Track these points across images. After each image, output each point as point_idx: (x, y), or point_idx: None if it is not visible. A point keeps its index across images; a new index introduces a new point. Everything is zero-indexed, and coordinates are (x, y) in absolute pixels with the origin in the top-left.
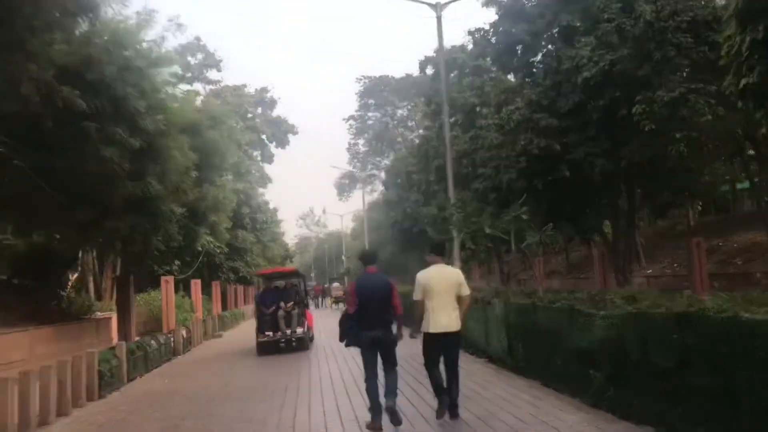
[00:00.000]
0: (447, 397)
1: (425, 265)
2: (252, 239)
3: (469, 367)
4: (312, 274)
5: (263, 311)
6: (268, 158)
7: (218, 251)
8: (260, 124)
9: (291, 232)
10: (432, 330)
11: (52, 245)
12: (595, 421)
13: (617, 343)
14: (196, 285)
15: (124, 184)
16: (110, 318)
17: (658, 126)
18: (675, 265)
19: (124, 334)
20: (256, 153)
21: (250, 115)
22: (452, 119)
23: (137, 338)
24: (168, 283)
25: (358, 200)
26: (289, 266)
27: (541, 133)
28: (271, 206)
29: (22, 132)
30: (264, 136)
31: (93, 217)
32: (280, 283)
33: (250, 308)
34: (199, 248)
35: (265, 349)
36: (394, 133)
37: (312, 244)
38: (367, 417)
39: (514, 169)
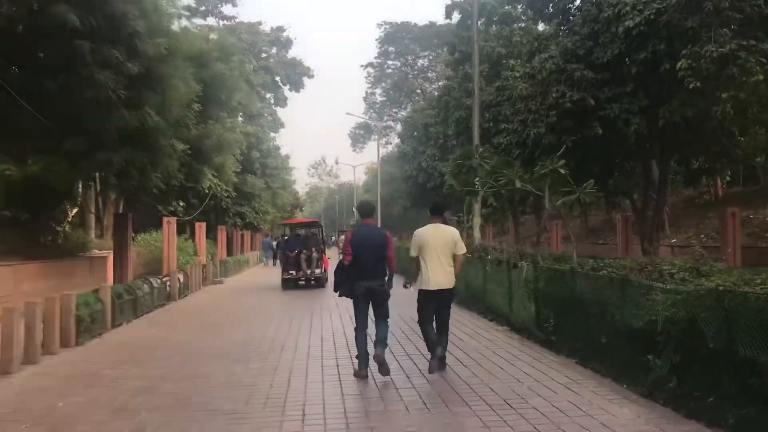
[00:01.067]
0: (439, 352)
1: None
2: (261, 185)
3: (490, 336)
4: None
5: (288, 254)
6: (282, 101)
7: (225, 195)
8: (274, 65)
9: (302, 181)
10: (427, 287)
11: (46, 176)
12: (655, 419)
13: (689, 325)
14: (200, 228)
15: (120, 112)
16: (106, 257)
17: (703, 84)
18: (702, 235)
19: (120, 274)
20: (269, 95)
21: (264, 55)
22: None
23: (132, 280)
24: (170, 224)
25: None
26: (310, 218)
27: (574, 85)
28: (282, 152)
29: (8, 50)
30: (278, 78)
31: (84, 148)
32: (302, 231)
33: (255, 255)
34: (205, 190)
35: (288, 284)
36: (413, 84)
37: (323, 194)
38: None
39: (542, 123)
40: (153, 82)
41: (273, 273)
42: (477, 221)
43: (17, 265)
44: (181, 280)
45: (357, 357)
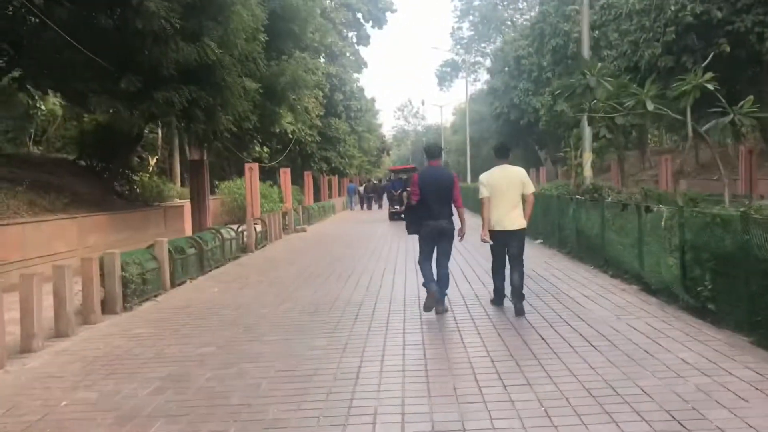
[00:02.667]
0: (503, 299)
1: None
2: (346, 128)
3: (618, 300)
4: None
5: (393, 193)
6: (364, 40)
7: (310, 140)
8: (355, 1)
9: (388, 124)
10: (497, 228)
11: (111, 122)
12: None
13: None
14: (285, 174)
15: (176, 45)
16: (182, 207)
17: None
18: None
19: (198, 224)
20: (351, 34)
21: None
22: None
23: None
24: (252, 170)
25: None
26: (409, 165)
27: None
28: (367, 95)
29: None
30: (360, 15)
31: (141, 86)
32: (403, 174)
33: (342, 201)
34: (289, 135)
35: (394, 217)
36: (502, 15)
37: (410, 136)
38: None
39: (658, 42)
40: (212, 10)
41: (359, 218)
42: (588, 157)
43: (82, 218)
44: (259, 229)
45: (423, 284)
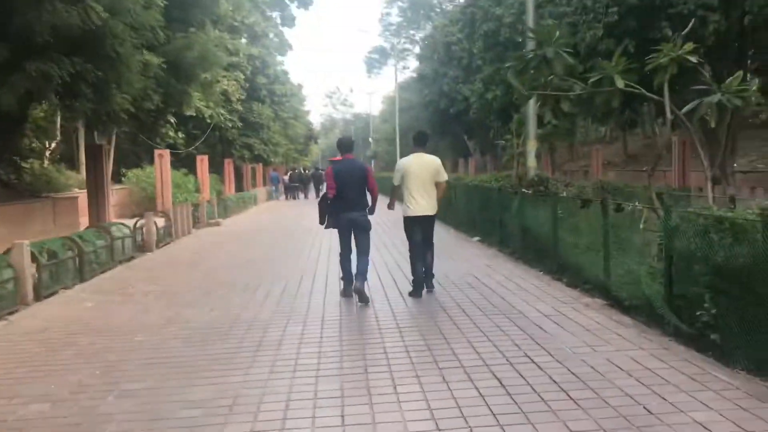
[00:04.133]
0: (422, 287)
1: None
2: (269, 113)
3: (583, 319)
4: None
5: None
6: (289, 21)
7: (230, 125)
8: None
9: (316, 111)
10: (411, 213)
11: None
12: None
13: None
14: (202, 162)
15: (52, 6)
16: (76, 198)
17: None
18: None
19: (96, 218)
20: (275, 14)
21: None
22: None
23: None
24: (162, 157)
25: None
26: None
27: None
28: (294, 80)
29: None
30: None
31: (7, 55)
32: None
33: (264, 191)
34: (207, 119)
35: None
36: (431, 2)
37: (338, 125)
38: None
39: (599, 24)
40: None
41: (283, 210)
42: (532, 145)
43: None
44: (162, 224)
45: (342, 278)
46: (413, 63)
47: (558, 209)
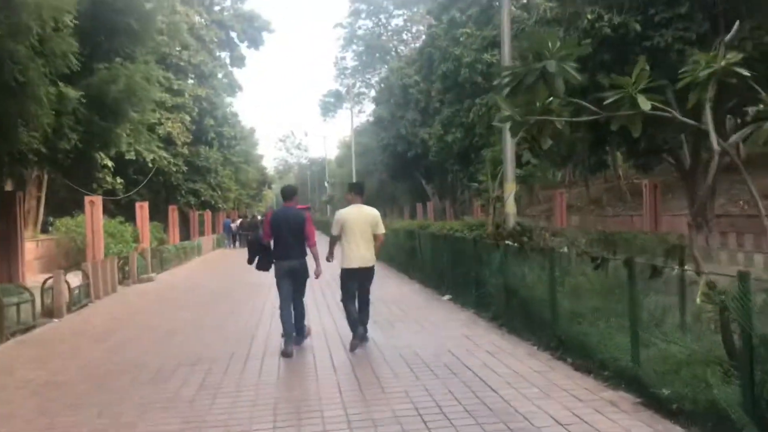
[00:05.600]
0: (359, 328)
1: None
2: (217, 157)
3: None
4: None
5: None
6: (239, 61)
7: (174, 169)
8: (228, 18)
9: (270, 155)
10: (349, 266)
11: None
12: None
13: None
14: (141, 209)
15: None
16: None
17: None
18: (741, 202)
19: (7, 274)
20: (223, 54)
21: (217, 8)
22: (468, 13)
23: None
24: (93, 204)
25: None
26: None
27: (614, 5)
28: (246, 124)
29: None
30: (234, 34)
31: None
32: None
33: (212, 239)
34: (149, 163)
35: None
36: (387, 46)
37: (293, 169)
38: None
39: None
40: None
41: (230, 260)
42: (510, 188)
43: None
44: (77, 283)
45: (283, 335)
46: (369, 107)
47: (555, 271)
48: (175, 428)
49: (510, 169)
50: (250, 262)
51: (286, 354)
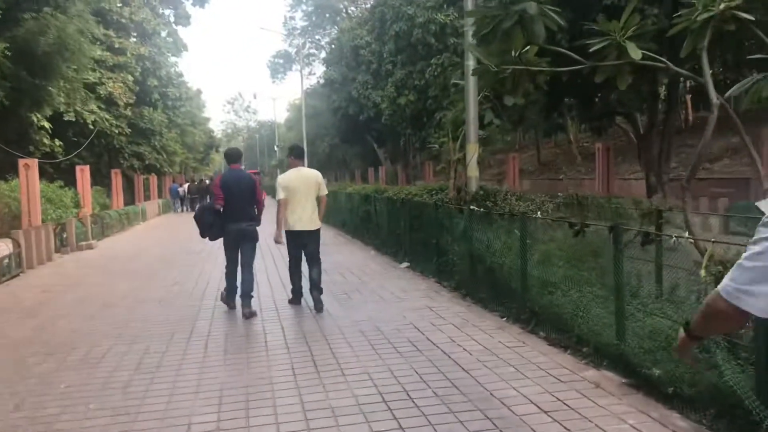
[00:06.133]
0: (301, 297)
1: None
2: (162, 119)
3: (601, 416)
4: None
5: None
6: (184, 19)
7: (116, 131)
8: None
9: (217, 118)
10: (293, 228)
11: None
12: None
13: None
14: (82, 172)
15: None
16: None
17: None
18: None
19: None
20: (168, 11)
21: None
22: None
23: None
24: (29, 167)
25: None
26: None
27: None
28: (192, 85)
29: None
30: None
31: None
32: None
33: (157, 204)
34: (90, 125)
35: None
36: (337, 7)
37: (241, 132)
38: None
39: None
40: None
41: (177, 226)
42: (473, 150)
43: None
44: (5, 251)
45: (224, 289)
46: (320, 68)
47: (526, 235)
48: (103, 422)
49: (473, 129)
50: (202, 234)
51: (227, 304)
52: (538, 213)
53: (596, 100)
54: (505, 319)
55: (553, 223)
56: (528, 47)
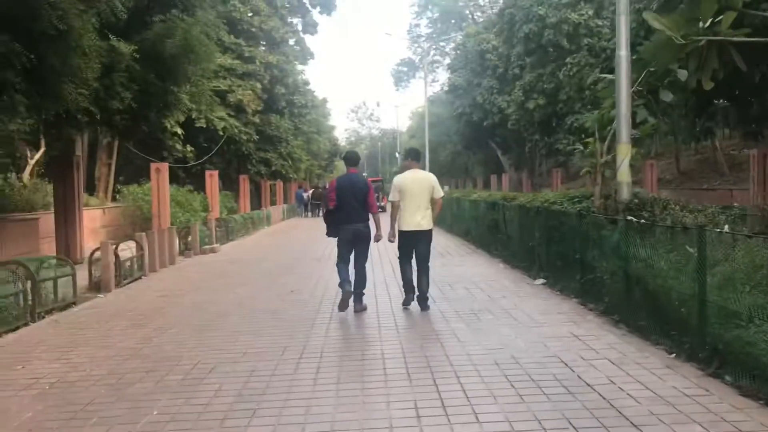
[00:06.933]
0: (413, 291)
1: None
2: (288, 126)
3: None
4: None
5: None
6: (311, 27)
7: (245, 138)
8: None
9: (341, 126)
10: (405, 228)
11: None
12: None
13: None
14: (211, 177)
15: None
16: (36, 220)
17: None
18: None
19: (65, 243)
20: (296, 20)
21: None
22: None
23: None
24: (159, 171)
25: (417, 91)
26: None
27: None
28: (318, 94)
29: None
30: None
31: None
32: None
33: (281, 209)
34: (220, 132)
35: None
36: (463, 13)
37: (364, 140)
38: None
39: None
40: None
41: (299, 230)
42: (624, 151)
43: None
44: (128, 255)
45: (340, 285)
46: (443, 76)
47: (705, 251)
48: None
49: (625, 127)
50: (328, 234)
51: (341, 307)
52: (726, 227)
53: (752, 101)
54: (674, 355)
55: (747, 240)
56: (721, 16)
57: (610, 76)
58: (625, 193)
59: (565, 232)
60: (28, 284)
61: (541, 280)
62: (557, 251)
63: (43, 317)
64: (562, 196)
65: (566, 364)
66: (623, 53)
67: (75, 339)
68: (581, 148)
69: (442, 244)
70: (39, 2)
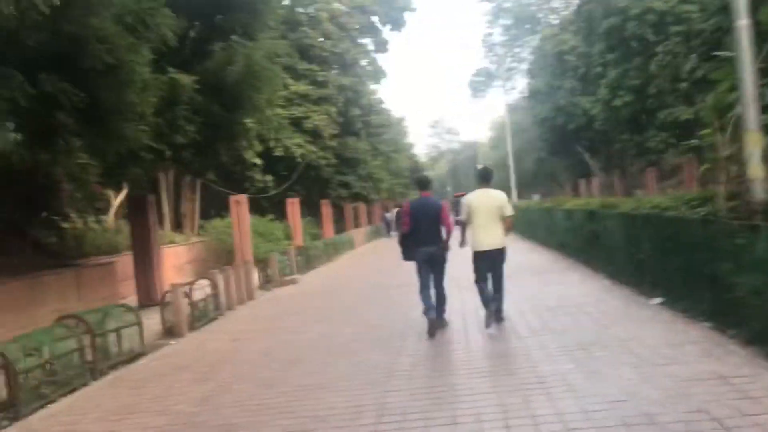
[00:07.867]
0: (494, 307)
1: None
2: (365, 147)
3: None
4: (448, 188)
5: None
6: (382, 46)
7: (323, 162)
8: (371, 2)
9: (421, 143)
10: (478, 248)
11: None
12: None
13: None
14: (292, 205)
15: None
16: (112, 263)
17: None
18: None
19: (144, 284)
20: (367, 40)
21: None
22: None
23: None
24: (239, 204)
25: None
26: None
27: None
28: (393, 113)
29: None
30: (375, 18)
31: None
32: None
33: (364, 231)
34: (298, 159)
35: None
36: (537, 17)
37: (445, 155)
38: None
39: None
40: None
41: (379, 255)
42: (754, 140)
43: None
44: (200, 295)
45: (424, 313)
46: (521, 83)
47: None
48: None
49: (753, 112)
50: (404, 257)
51: (430, 334)
52: None
53: None
54: None
55: None
56: None
57: (727, 54)
58: (759, 192)
59: (684, 242)
60: (87, 339)
61: (658, 300)
62: (675, 265)
63: (107, 374)
64: (676, 200)
65: (715, 419)
66: (743, 22)
67: (132, 402)
68: (675, 142)
69: (535, 259)
70: (86, 37)
